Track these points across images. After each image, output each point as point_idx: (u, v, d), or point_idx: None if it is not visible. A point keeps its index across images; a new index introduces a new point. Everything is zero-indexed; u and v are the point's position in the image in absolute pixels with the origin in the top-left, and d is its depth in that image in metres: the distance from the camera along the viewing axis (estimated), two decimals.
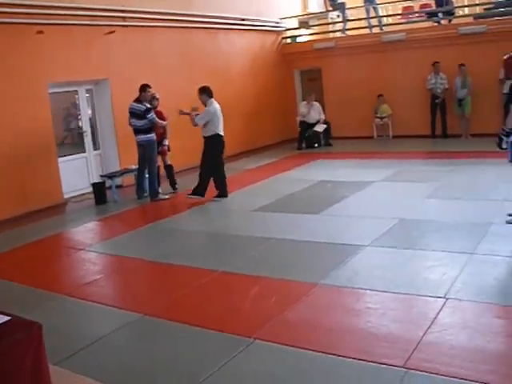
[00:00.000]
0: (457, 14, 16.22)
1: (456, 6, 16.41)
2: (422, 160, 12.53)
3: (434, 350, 4.18)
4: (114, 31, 11.92)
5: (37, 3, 10.38)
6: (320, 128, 15.78)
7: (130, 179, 11.69)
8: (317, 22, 19.46)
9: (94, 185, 11.00)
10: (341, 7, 17.56)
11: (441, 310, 4.83)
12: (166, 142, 11.02)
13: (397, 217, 7.86)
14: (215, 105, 10.00)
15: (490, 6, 15.76)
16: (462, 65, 14.30)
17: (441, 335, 4.39)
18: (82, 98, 12.16)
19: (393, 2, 17.64)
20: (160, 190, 10.77)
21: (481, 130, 13.87)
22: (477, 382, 3.71)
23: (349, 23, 17.51)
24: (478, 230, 6.91)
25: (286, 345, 4.47)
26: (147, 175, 10.61)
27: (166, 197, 10.70)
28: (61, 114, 12.17)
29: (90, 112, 12.41)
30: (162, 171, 11.18)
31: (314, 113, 15.85)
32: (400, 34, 15.64)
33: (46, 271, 7.14)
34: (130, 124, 10.46)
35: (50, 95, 10.94)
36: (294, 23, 18.54)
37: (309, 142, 15.82)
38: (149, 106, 10.30)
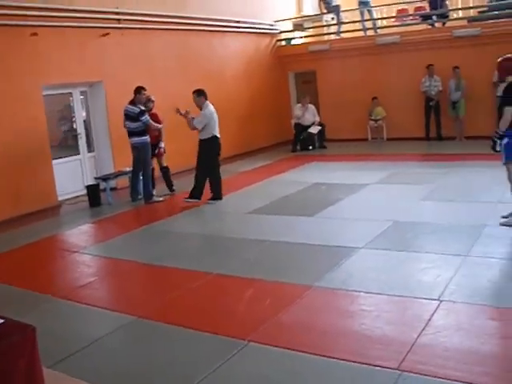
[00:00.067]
0: (451, 17, 16.27)
1: (450, 8, 16.47)
2: (417, 162, 12.55)
3: (428, 352, 4.18)
4: (108, 33, 11.91)
5: (31, 5, 10.36)
6: (314, 130, 15.79)
7: (124, 181, 11.68)
8: (311, 25, 19.47)
9: (89, 187, 10.97)
10: (335, 10, 17.60)
11: (435, 312, 4.84)
12: (162, 145, 11.01)
13: (391, 219, 7.87)
14: (211, 107, 9.99)
15: (484, 9, 15.82)
16: (456, 67, 14.35)
17: (435, 337, 4.40)
18: (77, 100, 12.14)
19: (387, 5, 17.69)
20: (154, 193, 10.76)
21: (475, 133, 13.91)
22: (471, 383, 3.72)
23: (343, 26, 17.54)
24: (472, 232, 6.93)
25: (281, 347, 4.47)
26: (141, 177, 10.60)
27: (161, 199, 10.69)
28: (55, 116, 12.14)
29: (84, 114, 12.38)
30: (157, 173, 11.17)
31: (308, 115, 15.87)
32: (394, 36, 15.70)
33: (41, 274, 7.11)
34: (125, 126, 10.45)
35: (45, 97, 10.92)
36: (289, 26, 18.56)
37: (303, 144, 15.83)
38: (143, 108, 10.28)
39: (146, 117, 10.25)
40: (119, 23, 12.23)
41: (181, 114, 10.08)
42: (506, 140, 6.83)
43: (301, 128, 15.86)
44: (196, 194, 10.04)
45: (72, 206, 11.02)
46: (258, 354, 4.44)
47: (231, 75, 15.67)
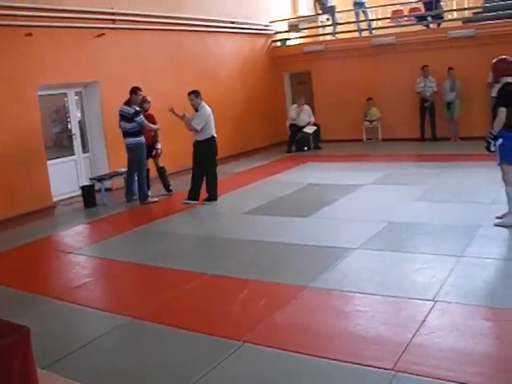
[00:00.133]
0: (446, 18, 16.30)
1: (445, 9, 16.49)
2: (412, 163, 12.57)
3: (423, 353, 4.19)
4: (103, 34, 11.90)
5: (26, 5, 10.33)
6: (310, 129, 15.80)
7: (119, 182, 11.67)
8: (307, 25, 19.50)
9: (84, 188, 10.95)
10: (331, 10, 17.63)
11: (429, 312, 4.85)
12: (159, 146, 10.97)
13: (386, 220, 7.88)
14: (207, 107, 9.99)
15: (479, 10, 15.86)
16: (451, 68, 14.39)
17: (429, 338, 4.41)
18: (72, 100, 12.12)
19: (382, 6, 17.71)
20: (149, 193, 10.75)
21: (469, 133, 13.96)
22: None
23: (339, 26, 17.56)
24: (466, 233, 6.95)
25: (275, 348, 4.47)
26: (137, 178, 10.58)
27: (156, 199, 10.68)
28: (50, 116, 12.12)
29: (79, 115, 12.36)
30: (153, 174, 11.15)
31: (304, 116, 15.89)
32: (389, 37, 15.72)
33: (35, 274, 7.10)
34: (120, 127, 10.43)
35: (39, 98, 10.89)
36: (284, 26, 18.57)
37: (298, 145, 15.84)
38: (138, 108, 10.27)
39: (141, 117, 10.23)
40: (114, 23, 12.21)
41: (176, 115, 10.07)
42: (500, 141, 6.86)
43: (296, 129, 15.88)
44: (193, 195, 10.03)
45: (67, 207, 11.00)
46: (252, 354, 4.44)
47: (226, 76, 15.67)
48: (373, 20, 17.47)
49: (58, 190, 11.20)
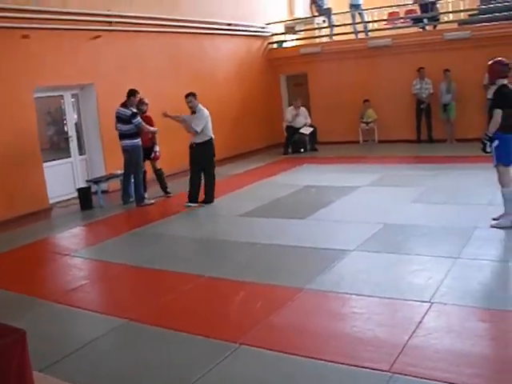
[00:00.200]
0: (442, 20, 16.36)
1: (441, 12, 16.54)
2: (408, 164, 12.59)
3: (419, 354, 4.20)
4: (100, 36, 11.89)
5: (22, 7, 10.32)
6: (306, 130, 15.81)
7: (115, 184, 11.65)
8: (303, 27, 19.53)
9: (80, 190, 10.94)
10: (327, 13, 17.66)
11: (426, 314, 4.85)
12: (157, 148, 10.95)
13: (382, 221, 7.89)
14: (204, 109, 10.00)
15: (475, 12, 15.90)
16: (447, 70, 14.43)
17: (426, 339, 4.41)
18: (68, 102, 12.10)
19: (378, 8, 17.74)
20: (146, 195, 10.75)
21: (465, 135, 13.98)
22: None
23: (335, 28, 17.58)
24: (462, 235, 6.95)
25: (272, 350, 4.47)
26: (133, 180, 10.57)
27: (152, 202, 10.67)
28: (46, 118, 12.11)
29: (75, 117, 12.35)
30: (150, 176, 11.14)
31: (300, 118, 15.89)
32: (386, 39, 15.74)
33: (32, 277, 7.09)
34: (117, 129, 10.42)
35: (36, 100, 10.88)
36: (281, 28, 18.58)
37: (295, 147, 15.85)
38: (135, 110, 10.27)
39: (139, 119, 10.22)
40: (110, 25, 12.20)
41: (172, 117, 10.07)
42: (496, 142, 6.88)
43: (292, 131, 15.88)
44: (193, 197, 10.03)
45: (63, 209, 10.98)
46: (249, 356, 4.44)
47: (223, 78, 15.67)
48: (369, 22, 17.49)
49: (54, 192, 11.19)
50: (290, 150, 15.88)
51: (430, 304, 5.03)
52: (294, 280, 5.97)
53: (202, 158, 9.98)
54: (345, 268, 6.29)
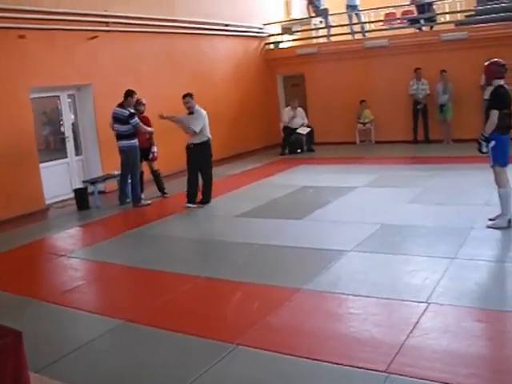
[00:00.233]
0: (438, 21, 16.38)
1: (438, 12, 16.56)
2: (405, 165, 12.60)
3: (416, 355, 4.20)
4: (97, 36, 11.88)
5: (19, 7, 10.31)
6: (303, 131, 15.81)
7: (112, 185, 11.64)
8: (300, 28, 19.54)
9: (76, 190, 10.93)
10: (324, 13, 17.67)
11: (423, 314, 4.85)
12: (155, 149, 10.93)
13: (379, 222, 7.89)
14: (202, 109, 9.99)
15: (472, 13, 15.93)
16: (444, 71, 14.44)
17: (423, 339, 4.42)
18: (65, 103, 12.09)
19: (375, 9, 17.75)
20: (143, 196, 10.73)
21: (462, 136, 13.97)
22: None
23: (332, 29, 17.59)
24: (459, 235, 6.96)
25: (269, 350, 4.47)
26: (130, 181, 10.56)
27: (149, 202, 10.66)
28: (43, 119, 12.09)
29: (72, 117, 12.33)
30: (147, 177, 11.13)
31: (298, 118, 15.90)
32: (382, 40, 15.76)
33: (28, 278, 7.08)
34: (113, 129, 10.40)
35: (32, 100, 10.87)
36: (277, 29, 18.59)
37: (292, 147, 15.85)
38: (132, 111, 10.26)
39: (136, 119, 10.21)
40: (107, 26, 12.19)
41: (168, 118, 10.06)
42: (492, 143, 6.89)
43: (289, 131, 15.88)
44: (192, 198, 10.02)
45: (60, 210, 10.97)
46: (246, 357, 4.44)
47: (220, 78, 15.67)
48: (366, 23, 17.49)
49: (51, 193, 11.17)
50: (287, 151, 15.88)
51: (426, 304, 5.04)
52: (291, 280, 5.97)
53: (200, 158, 9.97)
54: (342, 268, 6.29)
